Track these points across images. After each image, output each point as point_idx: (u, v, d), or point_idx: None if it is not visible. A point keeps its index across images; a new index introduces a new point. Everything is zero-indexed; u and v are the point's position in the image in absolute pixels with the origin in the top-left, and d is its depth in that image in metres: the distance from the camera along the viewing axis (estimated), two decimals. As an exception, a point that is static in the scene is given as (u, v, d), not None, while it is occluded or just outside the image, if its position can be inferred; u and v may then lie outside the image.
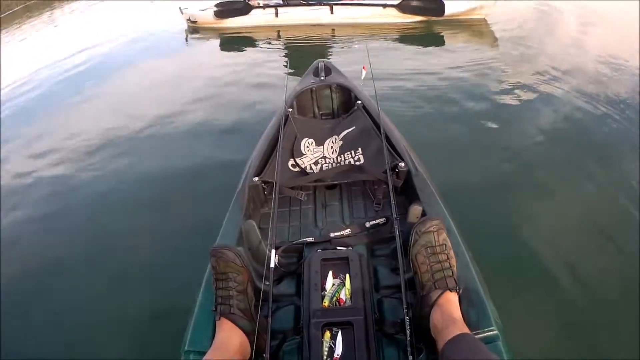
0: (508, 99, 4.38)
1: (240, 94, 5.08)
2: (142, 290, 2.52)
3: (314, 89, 2.76)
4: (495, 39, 6.25)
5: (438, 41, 6.43)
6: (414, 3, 7.15)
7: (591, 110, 3.99)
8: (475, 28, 6.84)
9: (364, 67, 2.84)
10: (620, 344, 2.03)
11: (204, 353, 1.33)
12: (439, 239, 1.44)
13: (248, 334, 1.37)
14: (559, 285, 2.32)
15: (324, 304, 1.48)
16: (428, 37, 6.54)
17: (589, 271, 2.39)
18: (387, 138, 2.21)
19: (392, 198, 1.80)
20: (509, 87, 4.63)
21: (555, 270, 2.40)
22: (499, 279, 2.07)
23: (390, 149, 2.16)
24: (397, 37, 6.66)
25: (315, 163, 2.27)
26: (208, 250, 1.49)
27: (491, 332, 1.35)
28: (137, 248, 2.85)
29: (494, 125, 3.90)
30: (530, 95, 4.39)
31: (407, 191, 2.05)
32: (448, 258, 1.43)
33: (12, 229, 3.28)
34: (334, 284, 1.55)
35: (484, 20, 6.96)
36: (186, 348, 1.40)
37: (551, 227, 2.71)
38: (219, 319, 1.38)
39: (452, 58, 5.59)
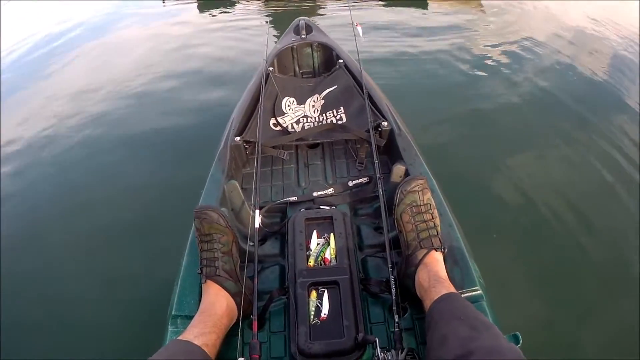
0: (486, 62, 4.43)
1: (218, 55, 4.97)
2: (124, 252, 2.51)
3: (294, 47, 2.70)
4: (481, 5, 6.16)
5: (422, 5, 6.30)
6: None
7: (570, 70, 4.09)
8: None
9: (357, 24, 2.76)
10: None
11: (191, 317, 1.33)
12: (423, 199, 1.45)
13: (234, 295, 1.36)
14: (542, 244, 2.40)
15: (309, 263, 1.48)
16: (412, 2, 6.41)
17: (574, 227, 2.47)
18: (370, 97, 2.19)
19: (375, 157, 1.79)
20: (490, 49, 4.68)
21: (539, 228, 2.48)
22: (480, 239, 2.12)
23: (373, 108, 2.13)
24: (381, 3, 6.52)
25: (297, 122, 2.24)
26: (191, 212, 1.48)
27: (475, 292, 1.37)
28: (118, 210, 2.83)
29: (478, 77, 4.00)
30: (507, 58, 4.46)
31: (390, 151, 2.04)
32: (432, 217, 1.44)
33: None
34: (318, 244, 1.55)
35: None
36: (173, 313, 1.39)
37: (531, 183, 2.78)
38: (205, 281, 1.37)
39: (436, 21, 5.59)
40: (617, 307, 2.10)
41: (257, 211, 1.57)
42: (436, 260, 1.37)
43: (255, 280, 1.38)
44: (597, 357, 1.92)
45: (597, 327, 2.04)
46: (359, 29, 2.72)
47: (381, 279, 1.47)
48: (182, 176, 2.86)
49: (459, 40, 4.90)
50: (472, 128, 3.35)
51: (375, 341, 1.18)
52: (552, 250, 2.38)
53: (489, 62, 4.43)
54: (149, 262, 2.38)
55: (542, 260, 2.32)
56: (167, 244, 1.89)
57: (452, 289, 1.26)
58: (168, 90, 4.26)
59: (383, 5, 6.40)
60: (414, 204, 1.44)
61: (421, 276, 1.33)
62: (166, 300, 1.51)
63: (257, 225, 1.53)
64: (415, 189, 1.45)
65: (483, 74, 4.19)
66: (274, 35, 2.91)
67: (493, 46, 4.76)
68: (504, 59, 4.44)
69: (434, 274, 1.32)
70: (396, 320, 1.27)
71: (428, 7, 6.27)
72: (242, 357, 1.20)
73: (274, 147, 2.14)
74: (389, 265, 1.39)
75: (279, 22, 5.61)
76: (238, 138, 2.03)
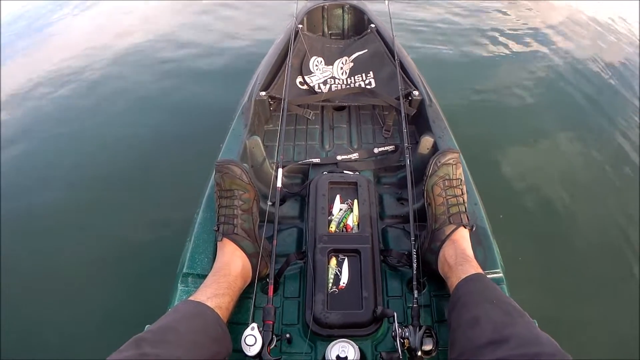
0: (514, 45, 4.34)
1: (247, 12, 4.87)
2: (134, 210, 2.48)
3: (325, 7, 2.65)
4: None
5: None
6: None
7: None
8: None
9: None
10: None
11: (202, 276, 1.28)
12: (456, 173, 1.40)
13: (250, 256, 1.31)
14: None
15: (330, 228, 1.43)
16: None
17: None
18: (401, 65, 2.13)
19: (404, 126, 1.73)
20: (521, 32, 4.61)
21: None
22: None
23: (404, 76, 2.07)
24: None
25: (324, 82, 2.17)
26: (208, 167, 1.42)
27: (496, 275, 1.33)
28: (122, 161, 2.80)
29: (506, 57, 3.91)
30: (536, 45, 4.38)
31: (419, 121, 1.99)
32: (462, 193, 1.40)
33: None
34: (341, 209, 1.50)
35: None
36: (184, 270, 1.33)
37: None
38: (221, 239, 1.32)
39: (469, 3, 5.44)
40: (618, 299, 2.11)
41: (281, 170, 1.50)
42: (463, 238, 1.32)
43: (274, 242, 1.32)
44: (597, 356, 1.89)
45: (599, 321, 2.03)
46: None
47: (402, 251, 1.42)
48: (200, 130, 2.83)
49: (490, 22, 4.80)
50: (485, 109, 3.33)
51: (394, 315, 1.14)
52: (558, 238, 2.36)
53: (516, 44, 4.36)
54: (161, 216, 2.35)
55: (549, 246, 2.30)
56: (180, 198, 1.84)
57: (480, 270, 1.20)
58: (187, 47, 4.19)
59: None
60: (447, 177, 1.38)
61: (447, 252, 1.28)
62: (176, 257, 1.47)
63: (279, 185, 1.47)
64: (449, 161, 1.40)
65: (507, 53, 4.15)
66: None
67: (525, 32, 4.65)
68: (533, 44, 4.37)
69: (461, 251, 1.27)
70: (415, 295, 1.22)
71: None
72: (254, 322, 1.14)
73: (299, 106, 2.07)
74: (412, 238, 1.34)
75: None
76: (263, 93, 1.96)
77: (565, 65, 3.96)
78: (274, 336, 1.13)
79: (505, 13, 5.06)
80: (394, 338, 1.12)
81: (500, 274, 1.33)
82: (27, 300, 2.07)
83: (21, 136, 3.07)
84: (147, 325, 1.12)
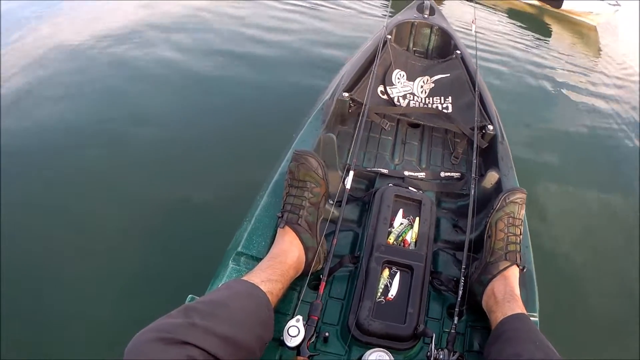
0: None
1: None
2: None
3: (415, 23, 2.71)
4: (599, 51, 5.97)
5: (544, 32, 6.41)
6: None
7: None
8: (584, 32, 6.88)
9: (473, 21, 2.77)
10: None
11: (254, 258, 1.32)
12: (520, 213, 1.42)
13: (307, 249, 1.33)
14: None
15: (388, 240, 1.44)
16: (536, 23, 6.58)
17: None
18: (480, 96, 2.14)
19: (474, 157, 1.77)
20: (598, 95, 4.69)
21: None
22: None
23: (482, 108, 2.09)
24: (506, 9, 6.45)
25: (404, 97, 2.20)
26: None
27: (534, 319, 1.33)
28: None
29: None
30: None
31: (487, 155, 1.98)
32: (520, 233, 1.40)
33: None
34: (402, 223, 1.51)
35: (595, 28, 6.93)
36: (239, 249, 1.35)
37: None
38: (283, 226, 1.33)
39: (552, 52, 5.61)
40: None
41: (352, 172, 1.53)
42: (514, 276, 1.34)
43: (334, 241, 1.35)
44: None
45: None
46: (473, 25, 2.74)
47: (450, 277, 1.44)
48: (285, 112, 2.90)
49: (568, 81, 4.91)
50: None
51: (432, 336, 1.16)
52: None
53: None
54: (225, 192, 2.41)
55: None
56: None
57: (524, 310, 1.22)
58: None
59: (506, 14, 6.31)
60: (512, 214, 1.39)
61: (497, 287, 1.29)
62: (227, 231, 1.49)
63: (348, 186, 1.49)
64: (517, 200, 1.41)
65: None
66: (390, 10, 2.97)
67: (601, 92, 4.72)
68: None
69: (510, 288, 1.28)
70: (455, 321, 1.24)
71: (551, 36, 6.19)
72: (300, 315, 1.15)
73: (377, 114, 2.10)
74: (463, 266, 1.37)
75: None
76: (346, 94, 1.99)
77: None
78: (315, 332, 1.15)
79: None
80: (428, 358, 1.14)
81: (537, 319, 1.34)
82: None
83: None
84: (189, 295, 1.15)
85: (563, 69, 5.07)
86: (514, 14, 6.57)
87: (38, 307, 1.86)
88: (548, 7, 7.32)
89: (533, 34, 6.07)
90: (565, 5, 7.09)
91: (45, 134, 2.68)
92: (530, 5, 7.37)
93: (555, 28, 6.81)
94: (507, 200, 1.40)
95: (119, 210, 2.28)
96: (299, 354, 1.10)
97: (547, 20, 7.06)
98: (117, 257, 2.07)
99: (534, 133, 3.57)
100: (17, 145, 2.54)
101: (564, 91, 4.51)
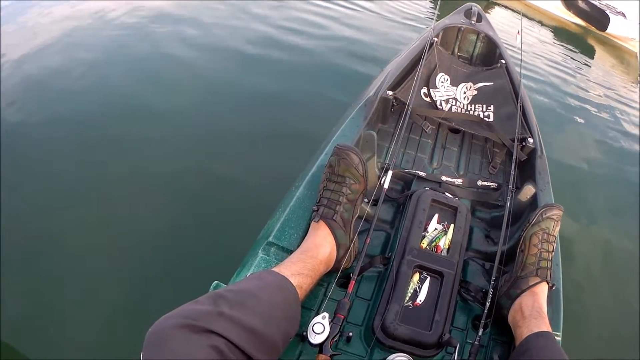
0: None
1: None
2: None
3: (462, 28, 2.68)
4: (638, 78, 5.84)
5: (588, 51, 6.45)
6: (582, 5, 7.49)
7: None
8: (625, 57, 6.96)
9: (518, 32, 2.77)
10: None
11: (285, 250, 1.30)
12: (555, 229, 1.39)
13: (339, 246, 1.31)
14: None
15: (421, 244, 1.42)
16: (580, 43, 6.63)
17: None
18: (522, 108, 2.10)
19: (512, 169, 1.75)
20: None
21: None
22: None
23: (523, 121, 2.06)
24: (552, 26, 6.44)
25: (446, 101, 2.18)
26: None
27: (557, 338, 1.31)
28: None
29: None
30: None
31: (525, 168, 1.95)
32: (553, 250, 1.38)
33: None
34: (436, 229, 1.49)
35: (636, 54, 7.01)
36: (270, 239, 1.34)
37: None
38: (318, 220, 1.31)
39: (593, 74, 5.60)
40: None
41: (390, 172, 1.51)
42: (543, 293, 1.32)
43: (367, 240, 1.33)
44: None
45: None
46: (518, 37, 2.74)
47: (480, 287, 1.42)
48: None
49: (604, 107, 4.87)
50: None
51: (457, 346, 1.15)
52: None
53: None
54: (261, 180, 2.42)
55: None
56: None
57: (550, 329, 1.20)
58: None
59: (552, 31, 6.26)
60: (547, 230, 1.37)
61: (525, 302, 1.28)
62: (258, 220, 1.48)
63: (386, 186, 1.47)
64: (553, 216, 1.38)
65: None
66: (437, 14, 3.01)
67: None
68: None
69: (539, 305, 1.27)
70: (479, 333, 1.23)
71: (594, 57, 6.19)
72: (326, 312, 1.13)
73: (419, 115, 2.08)
74: (492, 278, 1.35)
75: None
76: (390, 92, 1.97)
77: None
78: (340, 331, 1.13)
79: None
80: None
81: (560, 338, 1.31)
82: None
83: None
84: (214, 281, 1.14)
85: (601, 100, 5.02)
86: (559, 31, 6.53)
87: (56, 287, 1.88)
88: (593, 29, 7.52)
89: (577, 52, 6.07)
90: (610, 29, 7.27)
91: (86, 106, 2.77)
92: (576, 25, 7.52)
93: (598, 50, 6.87)
94: (544, 216, 1.37)
95: (147, 195, 2.31)
96: (320, 351, 1.08)
97: (591, 41, 7.18)
98: (142, 239, 2.10)
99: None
100: (47, 118, 2.64)
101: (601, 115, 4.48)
